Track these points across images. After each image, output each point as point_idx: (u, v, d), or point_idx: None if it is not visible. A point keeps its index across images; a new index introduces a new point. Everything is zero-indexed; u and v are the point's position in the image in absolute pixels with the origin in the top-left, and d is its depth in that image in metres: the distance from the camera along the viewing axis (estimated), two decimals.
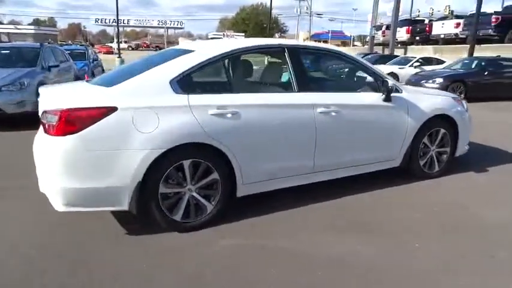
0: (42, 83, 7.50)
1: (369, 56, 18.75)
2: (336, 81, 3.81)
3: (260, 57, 4.68)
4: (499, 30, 16.44)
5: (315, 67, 4.10)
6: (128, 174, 2.84)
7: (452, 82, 10.93)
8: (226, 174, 3.20)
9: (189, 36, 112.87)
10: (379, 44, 26.63)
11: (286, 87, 3.52)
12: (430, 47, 20.87)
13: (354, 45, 46.27)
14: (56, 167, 2.78)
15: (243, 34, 70.89)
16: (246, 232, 3.13)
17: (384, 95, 3.87)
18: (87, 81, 3.86)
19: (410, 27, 23.88)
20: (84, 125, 2.75)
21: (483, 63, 11.80)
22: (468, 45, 18.11)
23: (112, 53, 41.22)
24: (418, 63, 15.16)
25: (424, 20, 26.53)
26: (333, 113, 3.58)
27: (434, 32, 21.39)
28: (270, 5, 29.67)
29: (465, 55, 16.44)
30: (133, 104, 2.87)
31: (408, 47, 23.73)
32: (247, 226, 3.23)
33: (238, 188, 3.29)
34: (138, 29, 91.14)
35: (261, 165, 3.34)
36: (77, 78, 9.75)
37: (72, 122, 2.74)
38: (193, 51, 3.27)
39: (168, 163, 2.95)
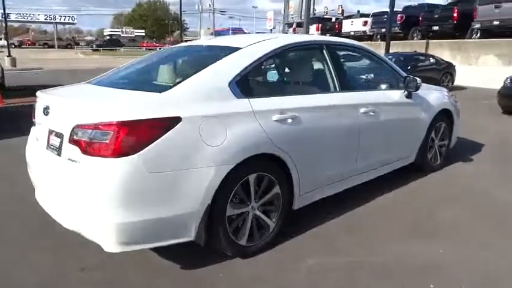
0: None
1: None
2: (364, 79, 3.68)
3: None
4: (403, 27, 18.11)
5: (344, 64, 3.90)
6: (197, 197, 2.34)
7: None
8: (286, 187, 2.86)
9: (78, 32, 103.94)
10: None
11: (328, 87, 3.26)
12: None
13: None
14: (109, 198, 2.16)
15: (143, 31, 67.74)
16: (319, 248, 2.83)
17: (405, 92, 3.86)
18: (88, 82, 3.15)
19: (319, 25, 25.08)
20: (146, 141, 2.18)
21: (402, 58, 12.82)
22: (376, 42, 19.70)
23: None
24: None
25: (331, 18, 28.15)
26: (371, 113, 3.44)
27: (344, 29, 22.74)
28: (180, 2, 28.50)
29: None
30: (197, 112, 2.37)
31: None
32: (312, 240, 2.94)
33: (295, 200, 2.97)
34: (16, 24, 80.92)
35: (317, 173, 3.07)
36: None
37: (133, 138, 2.16)
38: (240, 48, 2.83)
39: (236, 179, 2.52)
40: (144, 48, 59.06)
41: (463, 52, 14.95)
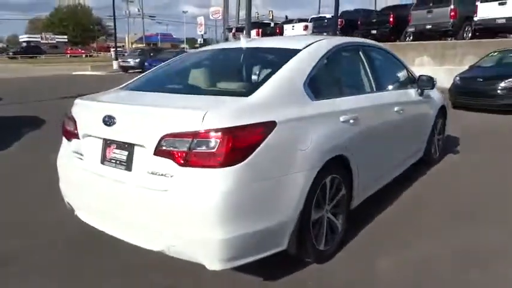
0: None
1: None
2: (389, 78, 3.81)
3: None
4: (344, 31, 18.95)
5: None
6: (292, 204, 2.27)
7: None
8: (348, 187, 2.87)
9: None
10: None
11: (369, 87, 3.34)
12: None
13: (194, 47, 45.90)
14: (216, 211, 2.00)
15: (65, 37, 63.42)
16: (385, 244, 2.88)
17: (418, 90, 4.07)
18: (126, 87, 2.91)
19: (259, 30, 25.40)
20: (252, 148, 2.08)
21: None
22: None
23: None
24: None
25: (270, 23, 28.62)
26: (401, 111, 3.59)
27: (286, 34, 23.20)
28: (113, 5, 27.19)
29: None
30: (287, 115, 2.30)
31: None
32: (373, 237, 2.99)
33: (354, 199, 2.98)
34: None
35: (369, 170, 3.13)
36: None
37: (241, 145, 2.04)
38: (299, 49, 2.78)
39: (319, 183, 2.48)
40: (68, 55, 55.51)
41: (401, 54, 15.82)
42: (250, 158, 2.05)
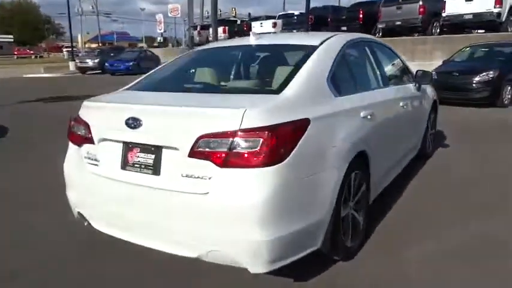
0: None
1: None
2: (392, 74, 3.85)
3: None
4: (314, 27, 19.13)
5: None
6: (327, 201, 2.24)
7: None
8: (368, 182, 2.86)
9: None
10: (197, 44, 27.13)
11: (377, 83, 3.35)
12: None
13: (153, 46, 44.07)
14: (260, 212, 1.92)
15: (11, 37, 59.93)
16: (404, 239, 2.89)
17: (416, 85, 4.13)
18: (134, 88, 2.79)
19: (226, 27, 25.22)
20: (291, 146, 2.02)
21: None
22: None
23: None
24: None
25: (236, 21, 28.50)
26: (405, 106, 3.64)
27: (254, 31, 23.11)
28: (67, 4, 25.75)
29: None
30: (317, 112, 2.25)
31: None
32: (391, 232, 3.00)
33: (371, 194, 2.98)
34: None
35: (384, 165, 3.15)
36: None
37: (282, 143, 1.97)
38: (316, 46, 2.73)
39: (346, 179, 2.44)
40: (15, 56, 52.81)
41: None
42: (290, 156, 1.98)
